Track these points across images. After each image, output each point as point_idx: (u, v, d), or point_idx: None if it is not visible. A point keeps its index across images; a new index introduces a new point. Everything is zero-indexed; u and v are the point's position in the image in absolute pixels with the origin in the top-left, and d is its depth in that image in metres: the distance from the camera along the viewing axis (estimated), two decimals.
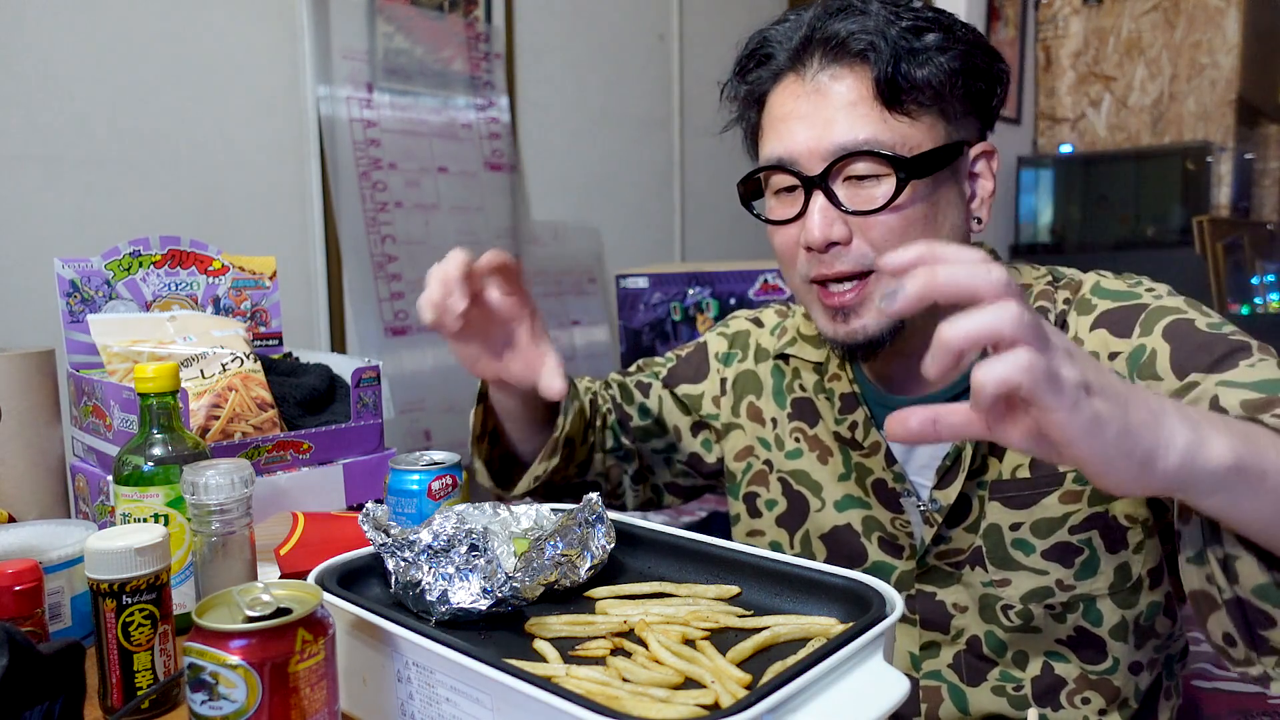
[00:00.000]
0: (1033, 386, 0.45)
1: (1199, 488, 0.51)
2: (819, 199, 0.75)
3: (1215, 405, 0.64)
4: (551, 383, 0.77)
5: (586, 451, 0.96)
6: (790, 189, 0.78)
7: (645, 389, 1.00)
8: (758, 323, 0.99)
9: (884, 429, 0.46)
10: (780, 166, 0.77)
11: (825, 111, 0.74)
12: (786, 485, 0.91)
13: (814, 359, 0.90)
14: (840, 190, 0.75)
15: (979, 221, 0.81)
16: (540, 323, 0.81)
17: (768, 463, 0.93)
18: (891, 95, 0.73)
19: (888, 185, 0.73)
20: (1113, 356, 0.74)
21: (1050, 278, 0.82)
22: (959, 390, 0.81)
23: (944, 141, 0.75)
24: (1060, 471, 0.77)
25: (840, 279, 0.75)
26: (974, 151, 0.79)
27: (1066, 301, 0.79)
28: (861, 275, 0.75)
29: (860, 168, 0.74)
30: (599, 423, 0.98)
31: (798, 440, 0.90)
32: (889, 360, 0.83)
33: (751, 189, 0.83)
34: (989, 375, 0.44)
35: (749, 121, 0.84)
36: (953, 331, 0.45)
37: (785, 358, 0.93)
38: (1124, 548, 0.76)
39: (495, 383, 0.85)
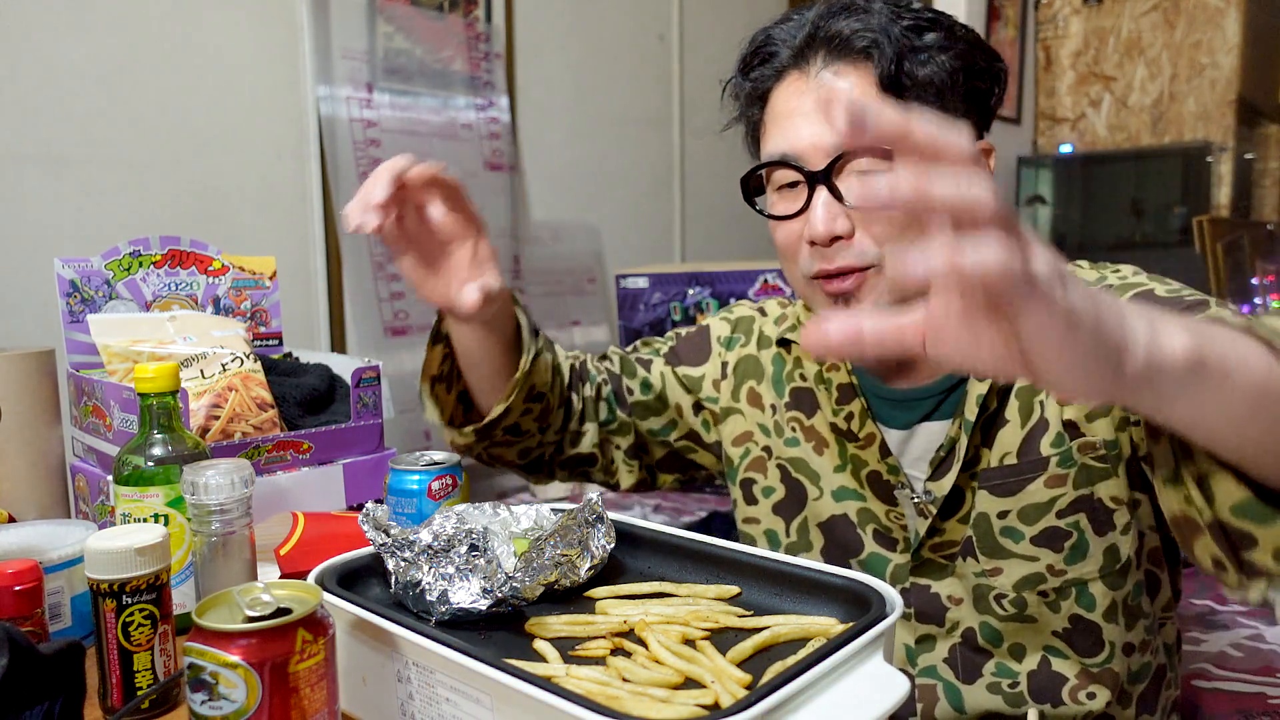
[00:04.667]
0: (1009, 282, 0.38)
1: (1164, 389, 0.47)
2: (822, 194, 0.75)
3: None
4: (469, 294, 0.75)
5: (563, 417, 0.94)
6: (793, 184, 0.79)
7: (647, 364, 1.00)
8: (761, 311, 1.00)
9: (802, 341, 0.41)
10: (784, 162, 0.78)
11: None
12: (785, 473, 0.91)
13: None
14: (843, 185, 0.75)
15: None
16: (486, 247, 0.81)
17: (766, 449, 0.93)
18: (894, 92, 0.74)
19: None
20: None
21: None
22: (954, 381, 0.81)
23: None
24: (1044, 456, 0.77)
25: (843, 273, 0.76)
26: None
27: None
28: (863, 269, 0.76)
29: (864, 163, 0.74)
30: (591, 392, 0.96)
31: (794, 430, 0.91)
32: None
33: (753, 185, 0.84)
34: (966, 260, 0.37)
35: (751, 119, 0.85)
36: (934, 187, 0.38)
37: (787, 345, 0.94)
38: (1111, 529, 0.77)
39: (449, 313, 0.83)
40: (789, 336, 0.93)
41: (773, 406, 0.93)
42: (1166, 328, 0.47)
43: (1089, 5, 3.41)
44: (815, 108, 0.76)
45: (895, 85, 0.74)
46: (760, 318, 0.99)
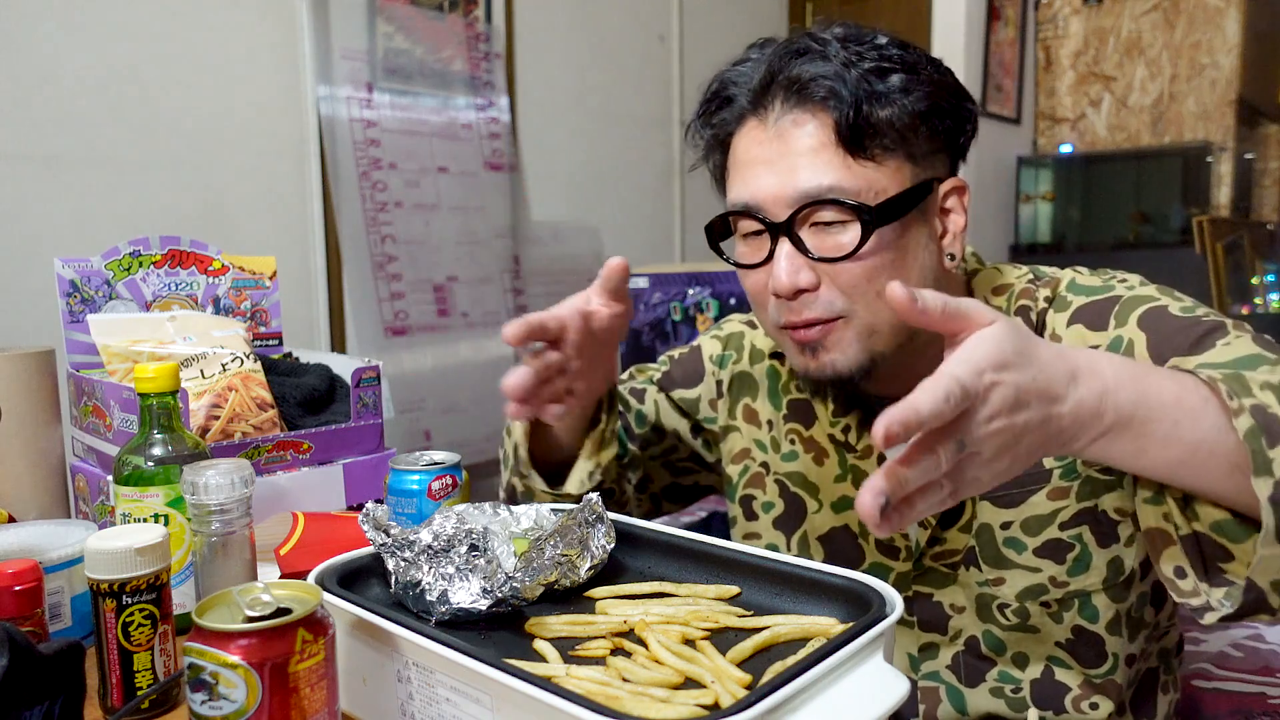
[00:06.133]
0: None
1: (1095, 455, 0.58)
2: (785, 246, 0.74)
3: None
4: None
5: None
6: (758, 233, 0.77)
7: (640, 395, 1.00)
8: (752, 324, 0.99)
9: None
10: (746, 212, 0.76)
11: (788, 158, 0.74)
12: (784, 487, 0.91)
13: None
14: (806, 236, 0.74)
15: (951, 258, 0.79)
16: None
17: (764, 465, 0.93)
18: (854, 140, 0.72)
19: (853, 232, 0.73)
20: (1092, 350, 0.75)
21: (1031, 276, 0.82)
22: None
23: (910, 183, 0.74)
24: (1047, 469, 0.77)
25: (809, 325, 0.75)
26: (944, 188, 0.78)
27: (1047, 300, 0.79)
28: (830, 321, 0.74)
29: (825, 215, 0.73)
30: None
31: (793, 442, 0.90)
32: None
33: (720, 228, 0.82)
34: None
35: (715, 163, 0.83)
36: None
37: (781, 357, 0.93)
38: (1115, 541, 0.77)
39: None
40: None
41: (769, 421, 0.93)
42: (1108, 435, 0.56)
43: (1089, 5, 3.42)
44: (777, 156, 0.74)
45: (855, 132, 0.72)
46: (751, 331, 0.98)
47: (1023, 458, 0.53)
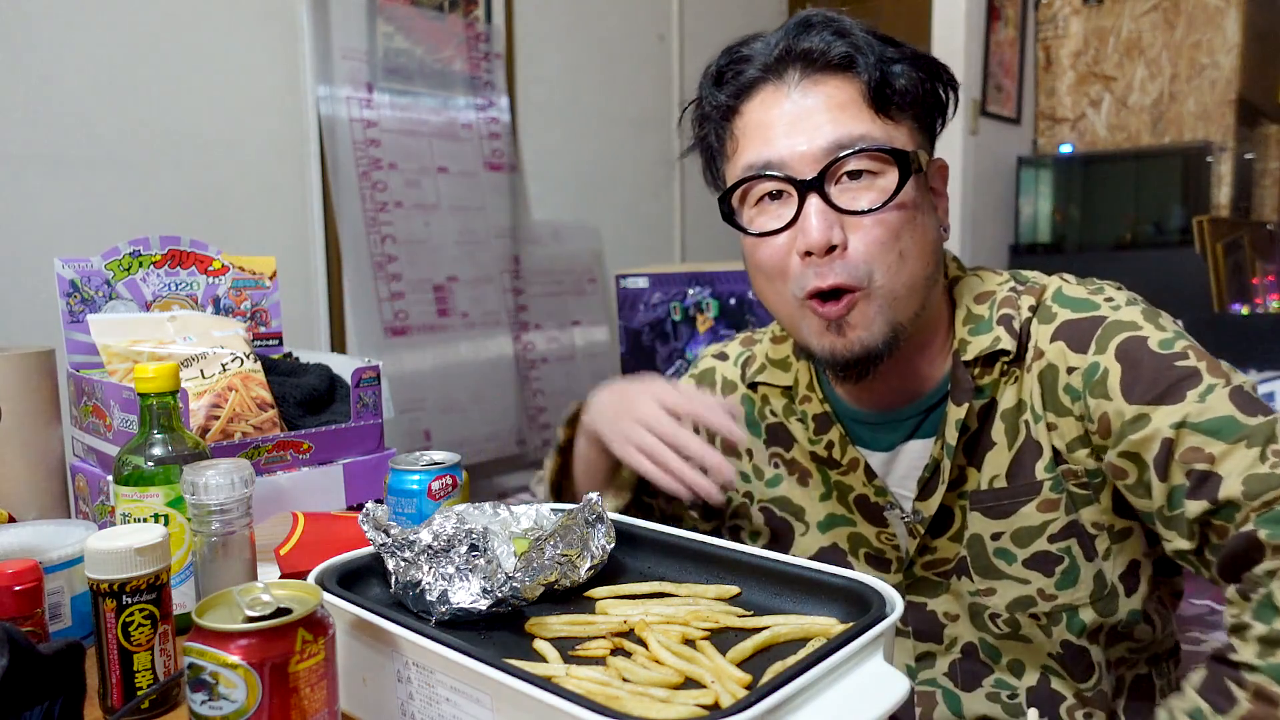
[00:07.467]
0: None
1: None
2: (815, 202, 0.73)
3: (1166, 449, 0.67)
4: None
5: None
6: (775, 196, 0.76)
7: None
8: (722, 357, 0.98)
9: None
10: (769, 174, 0.75)
11: (814, 116, 0.74)
12: (769, 514, 0.91)
13: (782, 383, 0.89)
14: (833, 194, 0.74)
15: (946, 230, 0.81)
16: None
17: (748, 495, 0.93)
18: (880, 99, 0.74)
19: (886, 181, 0.73)
20: (1070, 370, 0.75)
21: (1013, 283, 0.81)
22: (934, 401, 0.81)
23: (920, 148, 0.77)
24: (1037, 480, 0.76)
25: (836, 291, 0.73)
26: (932, 167, 0.80)
27: (1031, 309, 0.78)
28: (854, 290, 0.73)
29: (856, 165, 0.73)
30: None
31: (776, 466, 0.90)
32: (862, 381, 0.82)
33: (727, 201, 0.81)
34: None
35: (718, 137, 0.81)
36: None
37: (755, 386, 0.92)
38: (1096, 555, 0.77)
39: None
40: (757, 379, 0.91)
41: (749, 451, 0.92)
42: None
43: (1089, 5, 3.41)
44: (800, 116, 0.74)
45: (880, 90, 0.74)
46: (721, 364, 0.97)
47: None
